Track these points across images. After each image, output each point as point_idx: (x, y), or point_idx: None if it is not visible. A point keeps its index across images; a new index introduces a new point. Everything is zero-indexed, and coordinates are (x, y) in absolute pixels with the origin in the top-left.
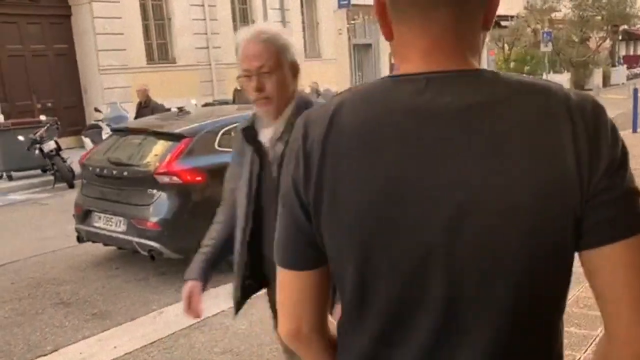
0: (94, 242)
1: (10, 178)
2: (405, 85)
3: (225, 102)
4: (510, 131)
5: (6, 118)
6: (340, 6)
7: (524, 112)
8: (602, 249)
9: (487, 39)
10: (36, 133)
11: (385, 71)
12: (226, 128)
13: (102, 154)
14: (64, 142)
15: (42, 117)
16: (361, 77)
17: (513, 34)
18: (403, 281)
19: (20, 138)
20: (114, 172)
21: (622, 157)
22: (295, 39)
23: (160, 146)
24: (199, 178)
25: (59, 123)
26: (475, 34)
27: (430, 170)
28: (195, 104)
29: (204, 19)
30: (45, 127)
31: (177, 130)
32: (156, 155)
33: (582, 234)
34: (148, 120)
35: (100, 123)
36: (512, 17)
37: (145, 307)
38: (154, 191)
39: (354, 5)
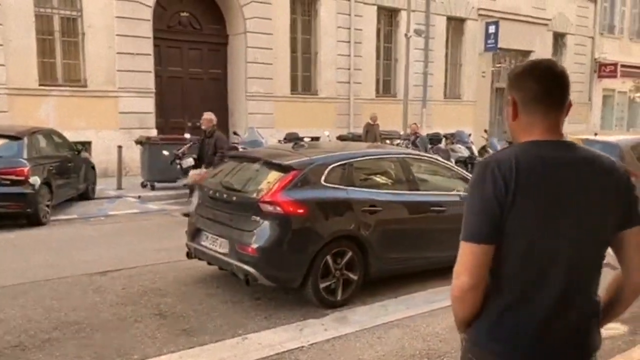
0: (200, 259)
1: (152, 188)
2: (545, 145)
3: (359, 137)
4: (606, 173)
5: (159, 133)
6: (486, 49)
7: (607, 164)
8: (626, 231)
9: None
10: (179, 149)
11: None
12: (335, 164)
13: (218, 177)
14: None
15: (187, 135)
16: (501, 121)
17: None
18: (549, 254)
19: (165, 152)
20: (225, 196)
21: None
22: (435, 79)
23: (270, 176)
24: (300, 210)
25: None
26: (563, 121)
27: (564, 190)
28: (328, 135)
29: (349, 55)
30: (188, 145)
31: (287, 162)
32: (265, 184)
33: (626, 221)
34: (264, 150)
35: (237, 146)
36: None
37: (232, 330)
38: (258, 219)
39: (501, 49)
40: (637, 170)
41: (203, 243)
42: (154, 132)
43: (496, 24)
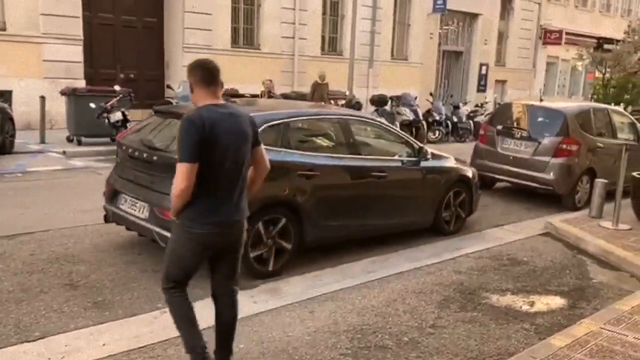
0: (118, 224)
1: (79, 143)
2: (213, 107)
3: (303, 95)
4: (245, 119)
5: (88, 84)
6: (435, 10)
7: (244, 113)
8: (256, 148)
9: (587, 62)
10: (107, 102)
11: (473, 80)
12: (269, 124)
13: (139, 134)
14: (141, 114)
15: (117, 87)
16: (447, 84)
17: (616, 59)
18: (228, 167)
19: (92, 105)
20: (145, 155)
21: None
22: (383, 39)
23: None
24: None
25: (132, 95)
26: (220, 91)
27: (228, 130)
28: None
29: (294, 9)
30: (118, 98)
31: None
32: None
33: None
34: (191, 106)
35: (171, 100)
36: (618, 41)
37: (151, 303)
38: None
39: (449, 10)
40: (581, 137)
41: (121, 206)
42: (82, 83)
43: None
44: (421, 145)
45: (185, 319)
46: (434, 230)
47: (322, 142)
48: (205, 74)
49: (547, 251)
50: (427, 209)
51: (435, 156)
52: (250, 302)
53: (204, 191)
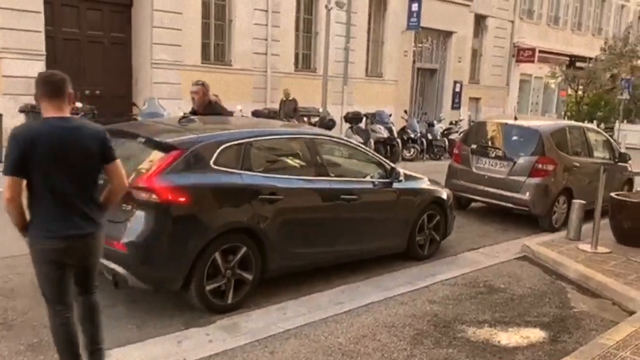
0: None
1: None
2: (53, 120)
3: (275, 112)
4: (89, 134)
5: None
6: (408, 27)
7: (91, 127)
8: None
9: (559, 80)
10: None
11: (447, 97)
12: (229, 144)
13: None
14: None
15: (78, 104)
16: (422, 102)
17: (588, 77)
18: (61, 182)
19: None
20: None
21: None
22: (357, 56)
23: (148, 156)
24: (182, 198)
25: (95, 111)
26: (66, 104)
27: (65, 143)
28: (240, 110)
29: (266, 25)
30: (79, 115)
31: (168, 140)
32: (143, 166)
33: (104, 160)
34: (146, 124)
35: (136, 117)
36: (590, 58)
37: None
38: (129, 208)
39: (423, 28)
40: (557, 157)
41: None
42: None
43: (419, 1)
44: (393, 165)
45: (61, 345)
46: (408, 255)
47: (287, 163)
48: (48, 87)
49: (525, 277)
50: (400, 232)
51: (408, 177)
52: (205, 340)
53: (40, 206)
